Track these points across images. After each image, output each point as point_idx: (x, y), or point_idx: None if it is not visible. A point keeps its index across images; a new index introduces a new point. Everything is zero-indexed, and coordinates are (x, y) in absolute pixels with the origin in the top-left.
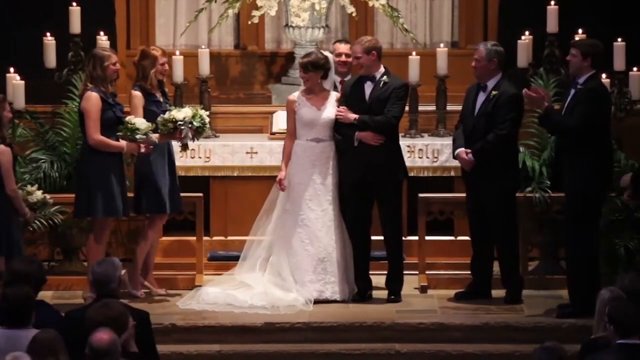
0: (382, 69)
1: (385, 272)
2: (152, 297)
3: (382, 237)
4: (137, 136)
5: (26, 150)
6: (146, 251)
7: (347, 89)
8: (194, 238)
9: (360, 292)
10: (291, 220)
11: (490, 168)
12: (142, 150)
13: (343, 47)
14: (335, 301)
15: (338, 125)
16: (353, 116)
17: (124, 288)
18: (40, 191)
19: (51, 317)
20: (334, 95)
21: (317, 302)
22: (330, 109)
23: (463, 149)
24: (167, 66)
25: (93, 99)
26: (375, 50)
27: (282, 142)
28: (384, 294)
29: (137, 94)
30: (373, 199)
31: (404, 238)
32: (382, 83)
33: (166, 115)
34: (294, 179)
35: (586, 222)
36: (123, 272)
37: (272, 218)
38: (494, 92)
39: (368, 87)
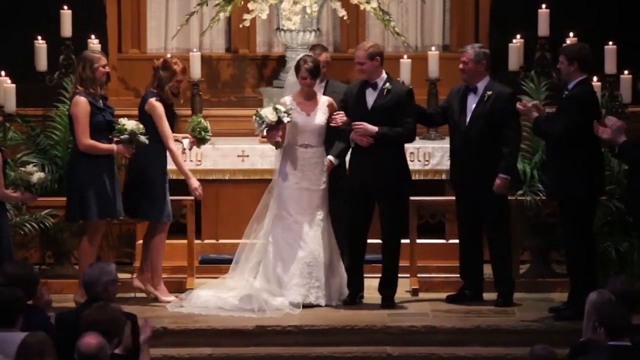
0: (384, 75)
1: (377, 275)
2: (144, 301)
3: (374, 240)
4: (122, 136)
5: (17, 153)
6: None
7: (348, 95)
8: (185, 241)
9: (352, 295)
10: (279, 224)
11: (484, 171)
12: (132, 151)
13: (322, 57)
14: (319, 306)
15: (336, 131)
16: (373, 129)
17: (113, 292)
18: (37, 170)
19: (40, 320)
20: (325, 101)
21: (302, 306)
22: (321, 116)
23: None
24: (184, 83)
25: (81, 104)
26: (379, 55)
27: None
28: (375, 297)
29: (158, 104)
30: (374, 205)
31: None
32: (385, 91)
33: (270, 114)
34: (283, 184)
35: (580, 226)
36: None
37: (264, 223)
38: (488, 93)
39: (370, 94)
